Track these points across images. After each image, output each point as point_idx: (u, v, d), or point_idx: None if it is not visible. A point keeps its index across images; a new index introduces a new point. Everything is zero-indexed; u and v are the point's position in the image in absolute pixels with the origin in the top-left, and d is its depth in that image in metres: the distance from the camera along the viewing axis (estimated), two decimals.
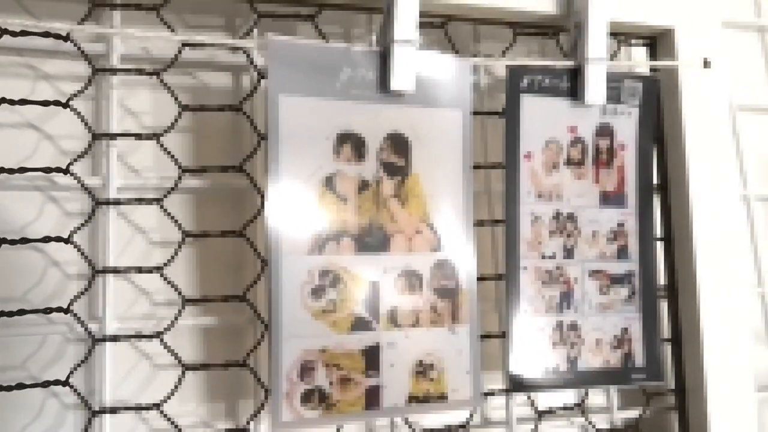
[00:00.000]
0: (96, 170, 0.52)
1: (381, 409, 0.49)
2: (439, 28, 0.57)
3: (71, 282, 0.51)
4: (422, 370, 0.50)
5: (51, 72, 0.52)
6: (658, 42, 0.64)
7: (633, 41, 0.65)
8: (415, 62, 0.50)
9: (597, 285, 0.57)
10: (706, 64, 0.62)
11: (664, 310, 0.63)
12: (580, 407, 0.60)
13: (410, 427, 0.54)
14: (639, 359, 0.58)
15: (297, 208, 0.47)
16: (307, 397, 0.46)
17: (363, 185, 0.49)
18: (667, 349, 0.63)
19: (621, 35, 0.63)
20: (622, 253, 0.59)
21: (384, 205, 0.50)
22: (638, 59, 0.67)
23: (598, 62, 0.56)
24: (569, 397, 0.64)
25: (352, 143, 0.49)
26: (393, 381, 0.49)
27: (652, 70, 0.64)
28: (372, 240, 0.49)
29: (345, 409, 0.48)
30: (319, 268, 0.47)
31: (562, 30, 0.61)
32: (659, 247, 0.62)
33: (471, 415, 0.56)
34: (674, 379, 0.63)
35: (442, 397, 0.50)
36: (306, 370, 0.47)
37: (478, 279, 0.53)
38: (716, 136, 0.63)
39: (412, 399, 0.50)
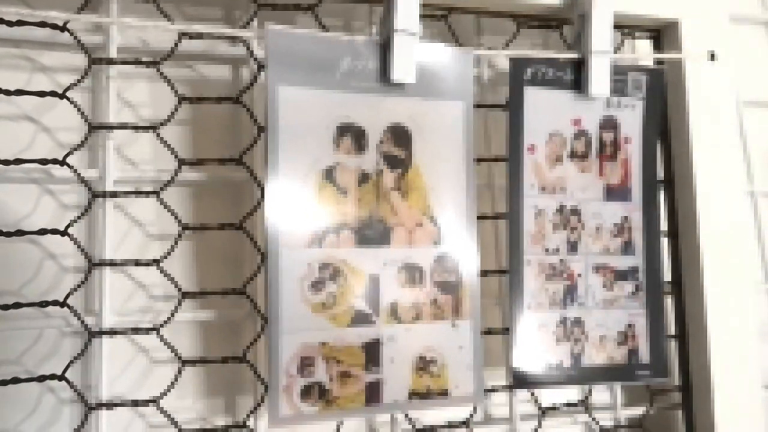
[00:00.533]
0: (93, 162, 0.52)
1: (381, 404, 0.48)
2: (441, 20, 0.56)
3: (68, 275, 0.51)
4: (423, 365, 0.49)
5: (48, 63, 0.52)
6: (663, 34, 0.64)
7: (638, 33, 0.64)
8: (416, 53, 0.49)
9: (601, 280, 0.57)
10: (712, 57, 0.61)
11: (669, 306, 0.62)
12: (584, 404, 0.60)
13: (411, 423, 0.53)
14: (644, 356, 0.57)
15: (296, 201, 0.46)
16: (306, 392, 0.46)
17: (363, 177, 0.49)
18: (673, 346, 0.62)
19: (626, 27, 0.62)
20: (626, 247, 0.58)
21: (384, 197, 0.49)
22: (643, 51, 0.67)
23: (602, 54, 0.55)
24: (573, 394, 0.64)
25: (352, 135, 0.49)
26: (394, 376, 0.48)
27: (657, 62, 0.63)
28: (372, 233, 0.48)
29: (345, 404, 0.47)
30: (318, 262, 0.47)
31: (566, 22, 0.60)
32: (664, 242, 0.62)
33: (473, 412, 0.55)
34: (680, 376, 0.62)
35: (444, 393, 0.50)
36: (305, 364, 0.46)
37: (481, 273, 0.52)
38: (722, 130, 0.62)
39: (413, 394, 0.49)
